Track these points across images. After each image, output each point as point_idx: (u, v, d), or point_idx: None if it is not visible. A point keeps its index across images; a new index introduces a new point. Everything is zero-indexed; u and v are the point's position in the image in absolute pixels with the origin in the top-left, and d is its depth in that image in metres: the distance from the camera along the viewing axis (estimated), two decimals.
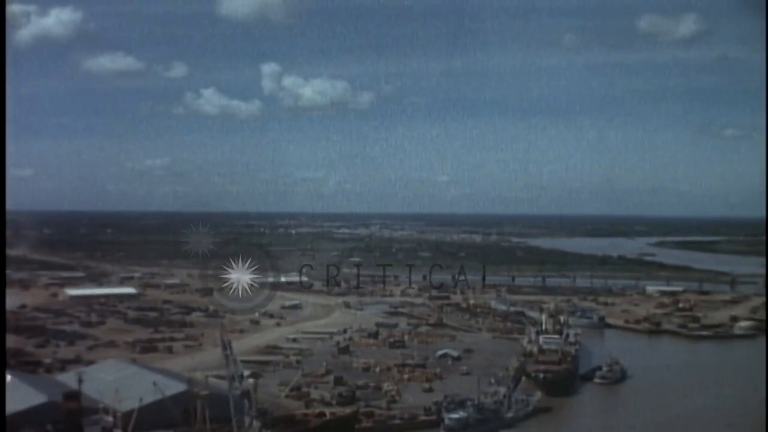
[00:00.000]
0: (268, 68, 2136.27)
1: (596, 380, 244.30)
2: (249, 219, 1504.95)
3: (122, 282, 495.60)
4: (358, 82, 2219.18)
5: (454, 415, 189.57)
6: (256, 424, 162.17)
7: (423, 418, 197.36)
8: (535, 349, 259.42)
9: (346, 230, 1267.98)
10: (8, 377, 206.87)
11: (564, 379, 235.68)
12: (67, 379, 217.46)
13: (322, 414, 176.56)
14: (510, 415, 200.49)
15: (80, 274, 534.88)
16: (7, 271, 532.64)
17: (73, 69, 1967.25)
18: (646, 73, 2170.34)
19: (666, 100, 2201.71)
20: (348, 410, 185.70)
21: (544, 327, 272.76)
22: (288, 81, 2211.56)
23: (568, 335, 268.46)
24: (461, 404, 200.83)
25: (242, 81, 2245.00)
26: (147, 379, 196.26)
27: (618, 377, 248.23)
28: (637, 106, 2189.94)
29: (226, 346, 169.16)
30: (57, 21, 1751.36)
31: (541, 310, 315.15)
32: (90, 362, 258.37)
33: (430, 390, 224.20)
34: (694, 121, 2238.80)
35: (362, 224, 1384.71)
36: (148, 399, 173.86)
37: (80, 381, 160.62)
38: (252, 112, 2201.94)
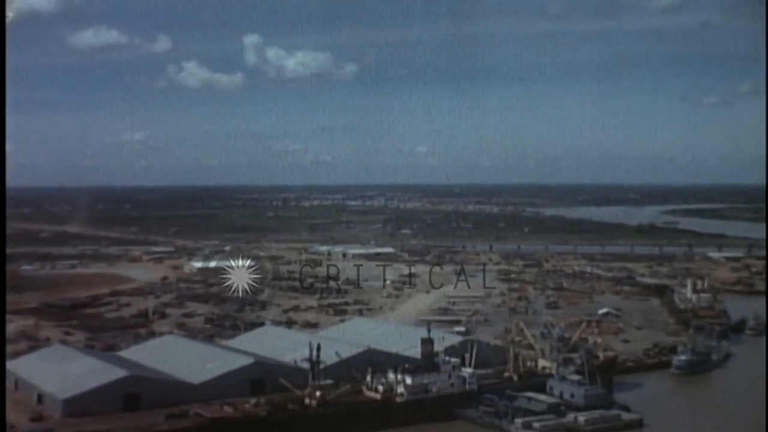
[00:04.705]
0: (251, 40, 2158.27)
1: (747, 332, 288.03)
2: (248, 192, 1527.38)
3: (214, 256, 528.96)
4: (341, 54, 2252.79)
5: (682, 357, 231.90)
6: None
7: (648, 361, 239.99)
8: (690, 306, 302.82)
9: (353, 202, 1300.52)
10: (282, 330, 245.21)
11: (727, 330, 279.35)
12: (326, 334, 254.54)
13: (596, 356, 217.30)
14: (714, 357, 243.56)
15: (170, 249, 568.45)
16: (95, 247, 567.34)
17: (57, 43, 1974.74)
18: (630, 41, 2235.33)
19: (649, 67, 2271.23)
20: (611, 354, 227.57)
21: (694, 288, 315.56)
22: (271, 53, 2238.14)
23: (718, 293, 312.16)
24: (672, 350, 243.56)
25: (225, 53, 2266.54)
26: (412, 332, 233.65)
27: (762, 329, 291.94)
28: (620, 74, 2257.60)
29: (531, 301, 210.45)
30: None
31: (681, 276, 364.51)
32: (306, 323, 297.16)
33: (626, 341, 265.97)
34: (677, 88, 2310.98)
35: (362, 196, 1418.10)
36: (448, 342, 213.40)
37: (429, 329, 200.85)
38: (235, 85, 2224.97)
